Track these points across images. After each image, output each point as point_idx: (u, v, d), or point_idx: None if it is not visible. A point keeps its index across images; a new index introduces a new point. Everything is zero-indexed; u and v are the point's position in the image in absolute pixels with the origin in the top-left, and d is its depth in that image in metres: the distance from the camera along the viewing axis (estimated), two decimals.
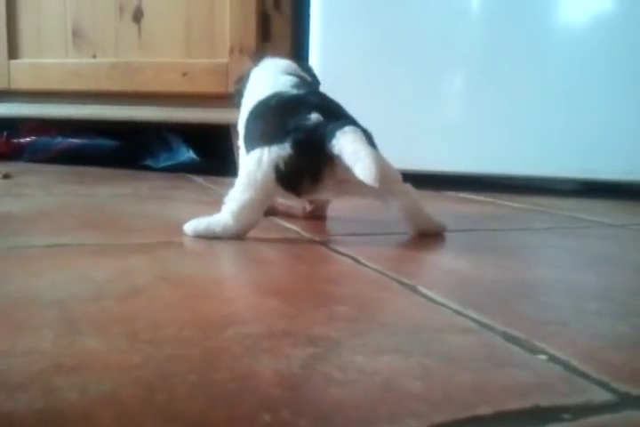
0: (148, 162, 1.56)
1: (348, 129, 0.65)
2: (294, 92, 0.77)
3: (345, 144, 0.64)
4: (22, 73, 1.53)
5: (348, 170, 0.64)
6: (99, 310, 0.43)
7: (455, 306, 0.47)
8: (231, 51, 1.39)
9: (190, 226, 0.71)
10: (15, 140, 1.65)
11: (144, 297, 0.46)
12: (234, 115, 1.42)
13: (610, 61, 1.17)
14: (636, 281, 0.59)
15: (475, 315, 0.45)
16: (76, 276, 0.52)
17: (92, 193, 1.07)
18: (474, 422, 0.29)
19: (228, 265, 0.58)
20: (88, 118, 1.52)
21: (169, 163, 1.53)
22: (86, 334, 0.38)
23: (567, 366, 0.36)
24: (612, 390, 0.33)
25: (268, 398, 0.30)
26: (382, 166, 0.65)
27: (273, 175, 0.67)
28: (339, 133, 0.64)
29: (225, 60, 1.39)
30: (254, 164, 0.68)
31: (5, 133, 1.66)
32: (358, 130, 0.66)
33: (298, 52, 1.41)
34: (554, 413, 0.30)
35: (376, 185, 0.60)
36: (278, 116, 0.71)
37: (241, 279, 0.53)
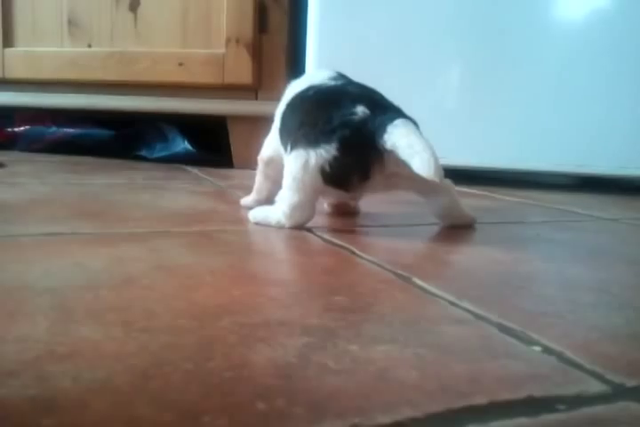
0: (143, 152, 1.55)
1: (399, 122, 0.63)
2: (332, 83, 0.76)
3: (398, 138, 0.62)
4: (17, 62, 1.52)
5: (398, 164, 0.63)
6: (93, 298, 0.43)
7: (450, 297, 0.47)
8: (228, 41, 1.38)
9: (252, 212, 0.74)
10: (9, 130, 1.64)
11: (139, 286, 0.46)
12: (229, 106, 1.42)
13: (606, 57, 1.17)
14: (631, 274, 0.59)
15: (470, 306, 0.45)
16: (70, 264, 0.52)
17: (86, 182, 1.06)
18: (468, 412, 0.29)
19: (223, 255, 0.58)
20: (83, 108, 1.51)
21: (164, 153, 1.53)
22: (80, 322, 0.38)
23: (562, 358, 0.36)
24: (607, 382, 0.33)
25: (262, 387, 0.30)
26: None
27: (320, 178, 0.67)
28: (390, 128, 0.63)
29: (221, 50, 1.39)
30: (300, 168, 0.67)
31: None
32: (409, 122, 0.64)
33: (295, 43, 1.41)
34: (548, 403, 0.30)
35: (436, 179, 0.59)
36: (321, 110, 0.69)
37: (237, 269, 0.53)
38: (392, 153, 0.63)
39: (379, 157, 0.65)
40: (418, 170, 0.60)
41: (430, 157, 0.59)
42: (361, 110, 0.65)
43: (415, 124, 0.67)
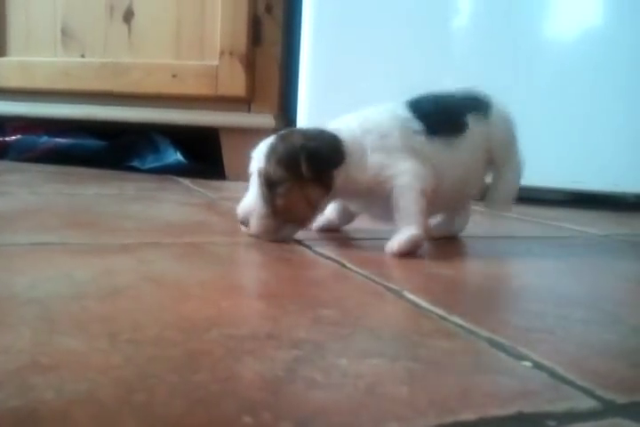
0: (135, 163, 1.55)
1: None
2: None
3: None
4: (10, 71, 1.51)
5: None
6: (79, 309, 0.42)
7: (441, 312, 0.47)
8: (221, 54, 1.38)
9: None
10: (0, 139, 1.63)
11: (126, 297, 0.46)
12: (222, 118, 1.42)
13: (599, 74, 1.18)
14: (621, 290, 0.59)
15: (460, 321, 0.45)
16: (58, 274, 0.51)
17: (77, 193, 1.05)
18: None
19: (212, 267, 0.57)
20: (75, 118, 1.50)
21: (156, 164, 1.52)
22: (65, 333, 0.37)
23: (552, 374, 0.35)
24: (597, 398, 0.32)
25: (249, 401, 0.30)
26: None
27: None
28: None
29: (215, 62, 1.39)
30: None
31: None
32: None
33: (289, 56, 1.41)
34: (538, 419, 0.30)
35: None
36: None
37: (225, 281, 0.53)
38: None
39: None
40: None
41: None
42: None
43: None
